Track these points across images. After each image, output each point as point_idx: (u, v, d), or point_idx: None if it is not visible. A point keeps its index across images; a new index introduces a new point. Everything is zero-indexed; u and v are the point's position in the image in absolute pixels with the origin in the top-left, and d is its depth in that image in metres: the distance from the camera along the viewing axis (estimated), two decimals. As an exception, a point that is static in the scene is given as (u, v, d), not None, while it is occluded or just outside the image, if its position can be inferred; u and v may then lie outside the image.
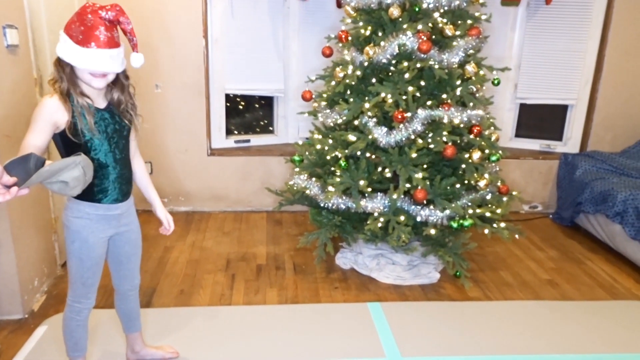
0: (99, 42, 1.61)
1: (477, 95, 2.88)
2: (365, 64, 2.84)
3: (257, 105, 4.44)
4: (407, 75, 2.71)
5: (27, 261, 2.60)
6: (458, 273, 2.95)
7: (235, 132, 4.36)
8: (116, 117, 1.80)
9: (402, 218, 2.75)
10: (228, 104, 4.17)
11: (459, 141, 2.83)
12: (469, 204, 2.82)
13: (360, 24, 2.92)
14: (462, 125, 2.76)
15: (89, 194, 1.75)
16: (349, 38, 2.97)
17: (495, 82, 3.03)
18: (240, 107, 4.36)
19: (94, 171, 1.70)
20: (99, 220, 1.81)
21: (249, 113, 4.46)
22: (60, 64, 1.67)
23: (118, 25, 1.68)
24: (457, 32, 2.78)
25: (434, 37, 2.79)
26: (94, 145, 1.72)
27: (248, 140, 4.32)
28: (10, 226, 2.43)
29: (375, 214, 2.81)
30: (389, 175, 2.79)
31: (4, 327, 2.50)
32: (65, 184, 1.44)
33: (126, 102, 1.82)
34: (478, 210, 2.83)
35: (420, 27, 2.70)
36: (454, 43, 2.75)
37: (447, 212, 2.75)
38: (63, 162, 1.42)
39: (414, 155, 2.71)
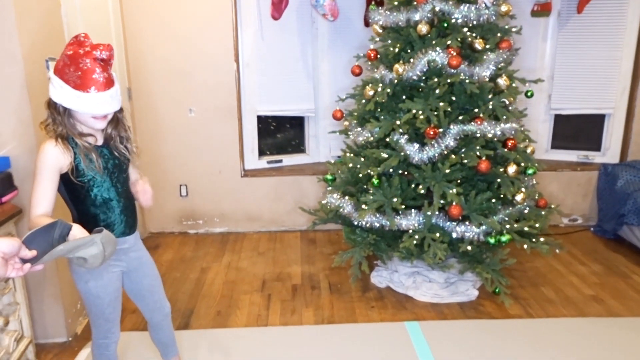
0: (99, 85, 1.58)
1: (510, 108, 2.85)
2: (395, 81, 2.84)
3: (288, 126, 4.49)
4: (437, 91, 2.70)
5: (71, 284, 2.66)
6: (497, 290, 2.88)
7: (268, 152, 4.41)
8: (114, 152, 1.77)
9: (437, 235, 2.72)
10: (260, 125, 4.23)
11: (493, 155, 2.79)
12: (506, 218, 2.77)
13: (389, 41, 2.93)
14: (495, 139, 2.73)
15: None
16: (378, 56, 2.99)
17: (529, 94, 2.99)
18: (272, 127, 4.42)
19: (100, 206, 1.72)
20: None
21: (281, 133, 4.50)
22: (54, 107, 1.62)
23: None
24: (487, 46, 2.76)
25: (463, 51, 2.78)
26: (97, 183, 1.70)
27: (280, 161, 4.36)
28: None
29: (410, 232, 2.78)
30: (422, 191, 2.77)
31: (50, 350, 2.57)
32: (83, 260, 1.43)
33: (122, 137, 1.79)
34: (516, 225, 2.77)
35: (449, 42, 2.70)
36: (484, 57, 2.73)
37: (484, 227, 2.70)
38: (81, 240, 1.40)
39: (447, 170, 2.69)
